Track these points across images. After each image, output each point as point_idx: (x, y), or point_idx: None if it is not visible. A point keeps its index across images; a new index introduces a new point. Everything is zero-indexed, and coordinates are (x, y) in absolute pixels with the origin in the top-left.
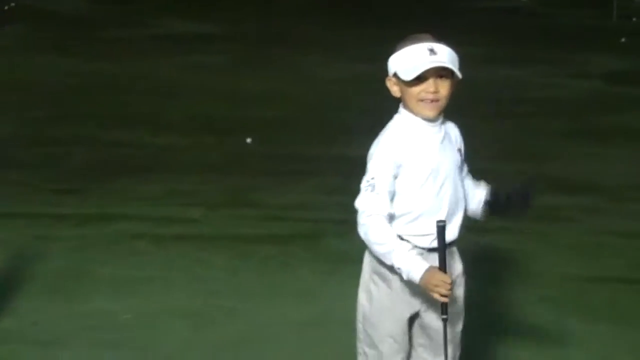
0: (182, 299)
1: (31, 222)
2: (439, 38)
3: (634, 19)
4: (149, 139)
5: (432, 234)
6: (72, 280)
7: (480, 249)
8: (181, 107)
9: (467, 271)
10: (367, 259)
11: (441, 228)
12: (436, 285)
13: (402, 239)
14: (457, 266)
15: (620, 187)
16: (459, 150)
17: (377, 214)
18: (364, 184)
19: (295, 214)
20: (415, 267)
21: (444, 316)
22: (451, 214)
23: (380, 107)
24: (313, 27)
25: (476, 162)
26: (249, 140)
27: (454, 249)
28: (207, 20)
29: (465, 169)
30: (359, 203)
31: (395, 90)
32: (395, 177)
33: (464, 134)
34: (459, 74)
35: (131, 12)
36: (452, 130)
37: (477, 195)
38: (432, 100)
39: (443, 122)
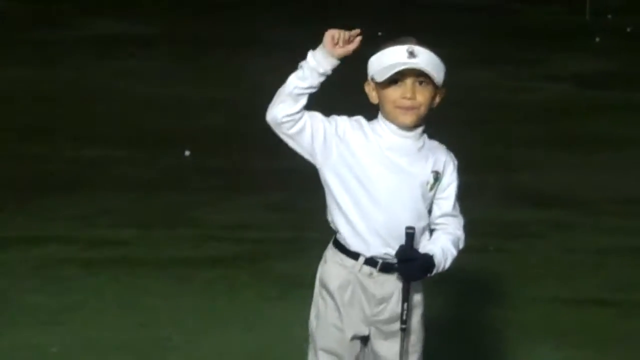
0: (113, 330)
1: None
2: (424, 42)
3: (609, 16)
4: (76, 153)
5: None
6: None
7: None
8: (112, 117)
9: (429, 293)
10: (318, 273)
11: (410, 235)
12: (331, 35)
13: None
14: (415, 291)
15: (595, 200)
16: (436, 173)
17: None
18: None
19: (237, 233)
20: (310, 53)
21: (402, 326)
22: (390, 235)
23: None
24: (256, 26)
25: None
26: (187, 152)
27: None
28: (140, 21)
29: (448, 209)
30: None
31: (373, 95)
32: (330, 150)
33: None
34: (438, 80)
35: (55, 11)
36: (436, 150)
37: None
38: (408, 108)
39: (423, 135)
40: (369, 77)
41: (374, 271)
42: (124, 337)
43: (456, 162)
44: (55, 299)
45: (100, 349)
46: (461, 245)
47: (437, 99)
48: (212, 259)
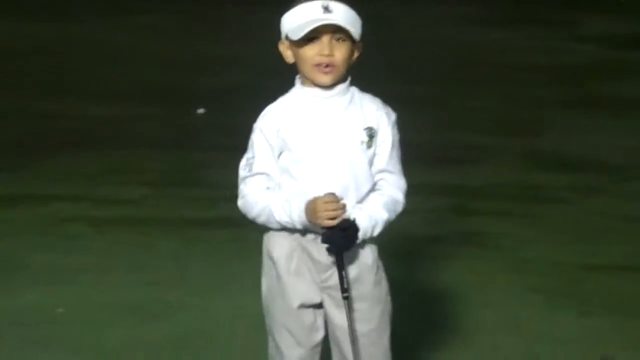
0: (122, 291)
1: None
2: None
3: None
4: (88, 110)
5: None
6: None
7: (462, 233)
8: (125, 75)
9: (449, 255)
10: (264, 242)
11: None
12: (321, 211)
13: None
14: (363, 256)
15: (623, 164)
16: (369, 129)
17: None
18: (242, 163)
19: None
20: (295, 205)
21: (345, 294)
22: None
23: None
24: None
25: (457, 135)
26: (200, 110)
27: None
28: None
29: (381, 166)
30: (239, 188)
31: (288, 55)
32: (281, 153)
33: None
34: (356, 36)
35: None
36: (367, 105)
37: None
38: (326, 65)
39: (348, 92)
40: (283, 36)
41: (319, 236)
42: (132, 298)
43: (393, 116)
44: (62, 259)
45: (107, 310)
46: (399, 208)
47: (355, 54)
48: (224, 219)
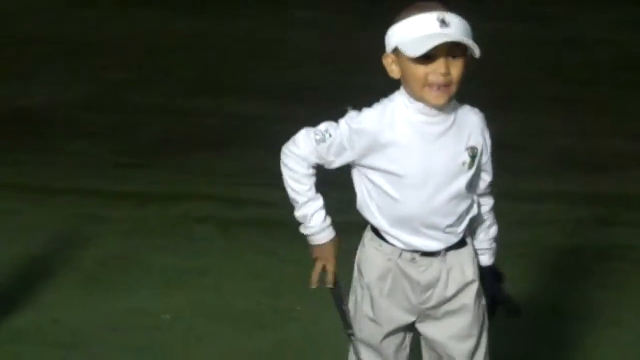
0: (235, 297)
1: (84, 199)
2: (450, 7)
3: None
4: (237, 108)
5: (418, 239)
6: (116, 270)
7: (603, 245)
8: (278, 72)
9: (584, 269)
10: (357, 257)
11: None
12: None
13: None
14: (465, 271)
15: None
16: (472, 148)
17: (301, 156)
18: (316, 130)
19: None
20: (313, 230)
21: (349, 331)
22: (439, 222)
23: None
24: None
25: (608, 140)
26: (349, 108)
27: (461, 250)
28: None
29: (486, 179)
30: (297, 138)
31: (394, 70)
32: (360, 157)
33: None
34: (476, 52)
35: None
36: (468, 120)
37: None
38: (441, 86)
39: (454, 109)
40: (389, 49)
41: (416, 256)
42: (244, 307)
43: (486, 123)
44: (183, 261)
45: (214, 318)
46: (496, 231)
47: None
48: (357, 224)
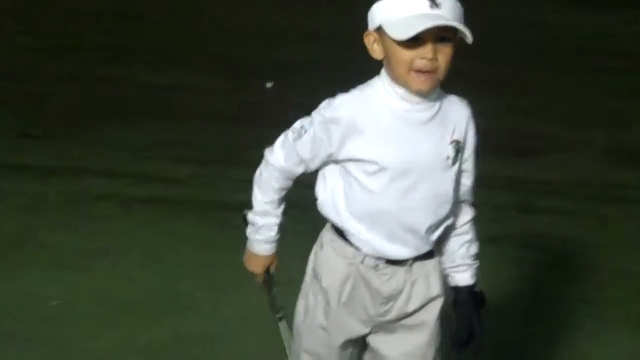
0: (131, 282)
1: None
2: None
3: None
4: (151, 78)
5: (389, 244)
6: (7, 249)
7: (523, 234)
8: (195, 44)
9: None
10: (311, 259)
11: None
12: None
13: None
14: (430, 285)
15: None
16: (456, 142)
17: (276, 166)
18: (292, 128)
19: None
20: (255, 239)
21: (278, 315)
22: (418, 223)
23: None
24: None
25: (529, 124)
26: (268, 84)
27: (428, 262)
28: None
29: (466, 183)
30: (273, 145)
31: (376, 50)
32: (338, 149)
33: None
34: (469, 36)
35: None
36: (454, 112)
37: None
38: (427, 71)
39: (439, 98)
40: (372, 26)
41: (380, 263)
42: (140, 293)
43: (474, 118)
44: (80, 241)
45: (106, 306)
46: (477, 248)
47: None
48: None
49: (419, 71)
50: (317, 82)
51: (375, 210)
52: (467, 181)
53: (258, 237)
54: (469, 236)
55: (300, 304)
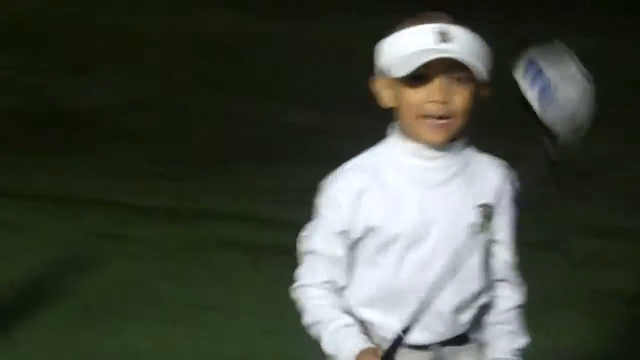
0: (236, 343)
1: (103, 213)
2: (465, 18)
3: None
4: (289, 117)
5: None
6: (115, 300)
7: None
8: (341, 79)
9: None
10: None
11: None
12: None
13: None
14: None
15: None
16: (485, 207)
17: (311, 285)
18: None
19: None
20: (346, 346)
21: None
22: (440, 302)
23: None
24: None
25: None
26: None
27: (461, 349)
28: None
29: (502, 258)
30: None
31: (385, 96)
32: (360, 238)
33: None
34: (482, 74)
35: None
36: (483, 173)
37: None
38: (439, 117)
39: (464, 154)
40: (377, 70)
41: (402, 349)
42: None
43: (517, 186)
44: (191, 294)
45: None
46: (524, 342)
47: (480, 95)
48: None
49: (429, 117)
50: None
51: (389, 290)
52: (504, 255)
53: (347, 333)
54: (512, 326)
55: None
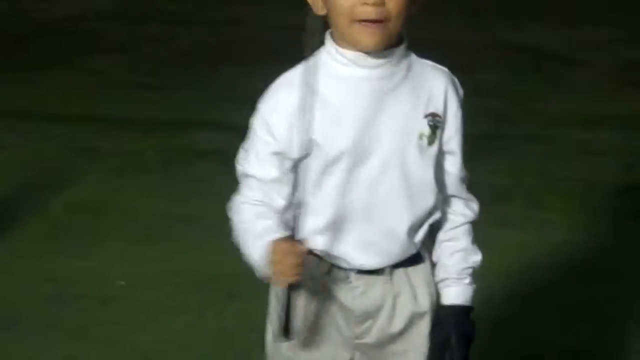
0: (215, 259)
1: (81, 127)
2: None
3: None
4: (278, 18)
5: (358, 253)
6: (86, 218)
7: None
8: None
9: None
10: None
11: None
12: (278, 263)
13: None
14: (418, 298)
15: None
16: (433, 116)
17: (244, 202)
18: (241, 155)
19: None
20: (257, 247)
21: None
22: (394, 222)
23: None
24: None
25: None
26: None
27: (414, 269)
28: None
29: (452, 172)
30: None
31: (317, 3)
32: (301, 159)
33: None
34: None
35: None
36: (429, 80)
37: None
38: (374, 20)
39: (407, 62)
40: None
41: (351, 274)
42: (220, 273)
43: (462, 93)
44: (167, 208)
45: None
46: (475, 260)
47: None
48: None
49: (364, 21)
50: None
51: (339, 213)
52: (452, 168)
53: (262, 235)
54: (462, 243)
55: (269, 328)
